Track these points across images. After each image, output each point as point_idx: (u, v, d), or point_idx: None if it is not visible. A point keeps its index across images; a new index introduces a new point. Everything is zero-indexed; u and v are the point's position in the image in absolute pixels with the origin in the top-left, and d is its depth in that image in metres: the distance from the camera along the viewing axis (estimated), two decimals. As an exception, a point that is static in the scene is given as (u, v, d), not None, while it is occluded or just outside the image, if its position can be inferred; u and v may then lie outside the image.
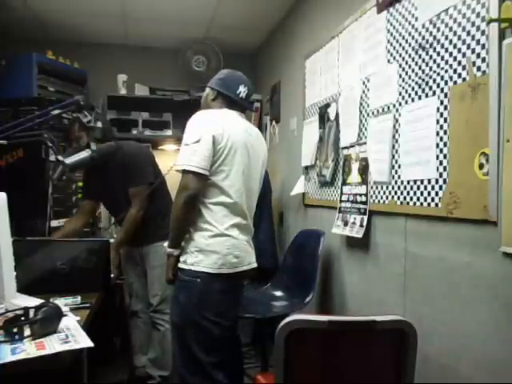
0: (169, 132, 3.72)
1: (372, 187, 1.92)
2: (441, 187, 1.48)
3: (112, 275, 2.09)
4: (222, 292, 1.72)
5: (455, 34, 1.43)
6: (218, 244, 1.69)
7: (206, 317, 1.69)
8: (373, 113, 1.94)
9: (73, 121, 2.28)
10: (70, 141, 2.31)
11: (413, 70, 1.65)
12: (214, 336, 1.72)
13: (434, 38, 1.53)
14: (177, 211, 1.67)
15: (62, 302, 1.46)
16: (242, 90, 1.89)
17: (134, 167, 2.37)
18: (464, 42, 1.38)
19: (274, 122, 3.52)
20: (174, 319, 1.76)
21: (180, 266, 1.72)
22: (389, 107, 1.81)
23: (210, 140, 1.67)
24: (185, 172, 1.66)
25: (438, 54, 1.51)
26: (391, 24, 1.80)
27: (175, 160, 1.73)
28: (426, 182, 1.56)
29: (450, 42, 1.45)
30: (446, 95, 1.47)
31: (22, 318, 1.22)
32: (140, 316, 2.57)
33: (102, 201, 2.64)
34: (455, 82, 1.43)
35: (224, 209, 1.72)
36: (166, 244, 1.77)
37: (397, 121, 1.75)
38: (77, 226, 2.52)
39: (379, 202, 1.87)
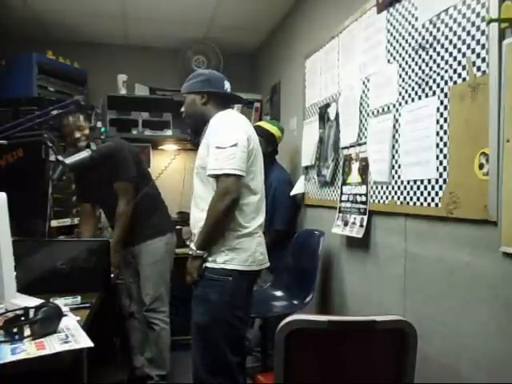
0: (169, 132, 3.72)
1: (372, 187, 1.92)
2: (441, 187, 1.48)
3: (112, 275, 2.09)
4: (248, 290, 1.76)
5: (455, 34, 1.43)
6: (247, 242, 1.71)
7: (236, 315, 1.70)
8: (373, 113, 1.94)
9: (79, 110, 2.27)
10: (71, 131, 2.30)
11: (413, 70, 1.65)
12: (241, 335, 1.74)
13: (434, 38, 1.53)
14: (219, 215, 1.64)
15: (61, 302, 1.46)
16: (227, 86, 1.88)
17: (118, 162, 2.37)
18: (464, 42, 1.38)
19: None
20: (199, 319, 1.73)
21: (209, 265, 1.71)
22: (389, 107, 1.81)
23: (246, 143, 1.69)
24: (225, 175, 1.63)
25: (438, 54, 1.51)
26: (391, 24, 1.80)
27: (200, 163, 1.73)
28: (426, 182, 1.56)
29: (450, 42, 1.45)
30: (446, 95, 1.47)
31: (22, 318, 1.22)
32: (136, 317, 2.58)
33: (96, 203, 2.66)
34: (455, 82, 1.43)
35: (253, 209, 1.74)
36: (192, 245, 1.75)
37: (397, 121, 1.75)
38: (92, 230, 2.60)
39: (379, 202, 1.87)
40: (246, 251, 1.71)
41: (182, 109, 1.92)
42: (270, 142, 2.77)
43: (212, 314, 1.70)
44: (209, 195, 1.69)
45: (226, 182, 1.63)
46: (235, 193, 1.64)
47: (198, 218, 1.74)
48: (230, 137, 1.66)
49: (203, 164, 1.72)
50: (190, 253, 1.75)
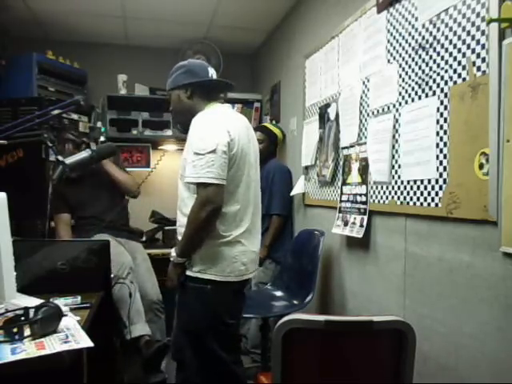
0: (169, 132, 3.71)
1: (372, 187, 1.92)
2: (441, 187, 1.48)
3: (112, 275, 2.09)
4: (232, 295, 1.70)
5: (455, 33, 1.43)
6: (226, 251, 1.65)
7: (222, 320, 1.67)
8: (373, 113, 1.94)
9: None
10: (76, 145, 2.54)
11: (413, 70, 1.65)
12: (232, 336, 1.73)
13: (434, 38, 1.53)
14: (199, 224, 1.58)
15: (61, 302, 1.46)
16: (212, 72, 1.79)
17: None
18: (464, 42, 1.38)
19: (273, 122, 3.52)
20: (189, 326, 1.70)
21: (187, 272, 1.67)
22: (389, 107, 1.81)
23: (227, 148, 1.58)
24: (203, 185, 1.55)
25: (438, 54, 1.51)
26: (391, 24, 1.80)
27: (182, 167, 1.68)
28: (426, 182, 1.56)
29: (450, 42, 1.45)
30: (446, 95, 1.47)
31: (22, 318, 1.22)
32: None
33: (89, 208, 2.71)
34: (455, 82, 1.43)
35: (234, 215, 1.66)
36: (173, 252, 1.70)
37: (397, 121, 1.75)
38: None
39: (379, 202, 1.87)
40: (224, 261, 1.63)
41: (170, 107, 1.85)
42: (272, 142, 3.11)
43: (197, 321, 1.67)
44: (191, 200, 1.63)
45: (206, 191, 1.55)
46: (216, 202, 1.56)
47: (181, 223, 1.70)
48: (208, 142, 1.56)
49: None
50: (171, 259, 1.70)
